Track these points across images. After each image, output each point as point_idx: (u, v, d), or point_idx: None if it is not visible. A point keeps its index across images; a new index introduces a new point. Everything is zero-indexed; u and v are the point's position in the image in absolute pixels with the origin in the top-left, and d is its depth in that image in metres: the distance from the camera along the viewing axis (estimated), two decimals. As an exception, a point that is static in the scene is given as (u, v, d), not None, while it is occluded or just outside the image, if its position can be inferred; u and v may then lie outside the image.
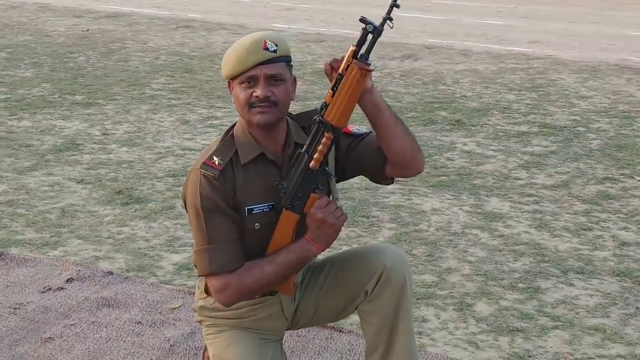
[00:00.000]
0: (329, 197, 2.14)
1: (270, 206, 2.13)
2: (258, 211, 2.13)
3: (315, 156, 2.06)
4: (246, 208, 2.12)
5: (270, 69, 2.07)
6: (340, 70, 2.01)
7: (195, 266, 2.27)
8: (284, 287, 2.19)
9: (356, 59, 2.00)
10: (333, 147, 2.13)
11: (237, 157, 2.13)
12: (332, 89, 2.02)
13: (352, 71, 1.99)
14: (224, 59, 2.13)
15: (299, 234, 2.11)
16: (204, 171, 2.09)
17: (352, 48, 2.01)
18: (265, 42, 2.07)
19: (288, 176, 2.10)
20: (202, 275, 2.17)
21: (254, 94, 2.07)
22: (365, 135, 2.21)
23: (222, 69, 2.13)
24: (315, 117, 2.06)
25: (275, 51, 2.07)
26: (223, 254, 2.09)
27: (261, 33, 2.12)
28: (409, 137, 2.13)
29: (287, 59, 2.12)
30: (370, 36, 2.00)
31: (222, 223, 2.09)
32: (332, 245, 3.74)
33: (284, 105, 2.11)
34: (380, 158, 2.15)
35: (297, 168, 2.08)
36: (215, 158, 2.11)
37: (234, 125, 2.20)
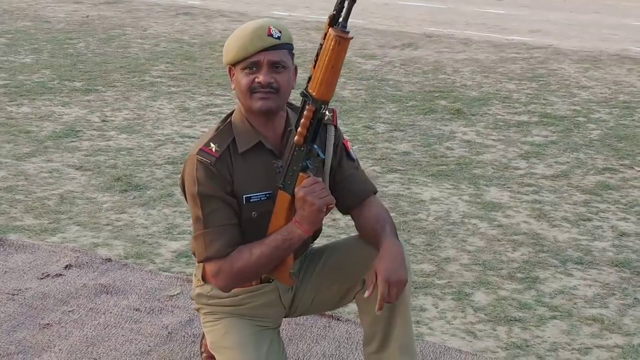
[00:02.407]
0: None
1: (267, 195, 2.12)
2: (256, 200, 2.12)
3: (298, 130, 2.03)
4: (244, 196, 2.12)
5: (273, 55, 2.06)
6: (320, 39, 1.97)
7: (194, 253, 2.28)
8: (280, 277, 2.18)
9: (334, 26, 1.94)
10: (336, 129, 2.09)
11: (234, 145, 2.12)
12: (315, 60, 1.99)
13: (329, 39, 1.94)
14: (226, 45, 2.12)
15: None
16: (200, 157, 2.09)
17: (329, 15, 1.95)
18: (270, 29, 2.06)
19: (284, 155, 2.09)
20: (200, 261, 2.17)
21: (256, 79, 2.06)
22: (353, 169, 2.23)
23: (225, 56, 2.12)
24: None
25: (279, 38, 2.07)
26: (218, 238, 2.09)
27: (264, 20, 2.11)
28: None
29: (289, 47, 2.11)
30: (346, 3, 1.94)
31: (219, 208, 2.09)
32: (329, 234, 3.74)
33: (285, 93, 2.10)
34: (349, 202, 2.20)
35: (288, 145, 2.07)
36: (212, 145, 2.10)
37: (231, 113, 2.19)
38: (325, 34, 1.95)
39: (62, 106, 5.88)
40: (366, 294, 2.06)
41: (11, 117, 5.54)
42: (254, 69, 2.06)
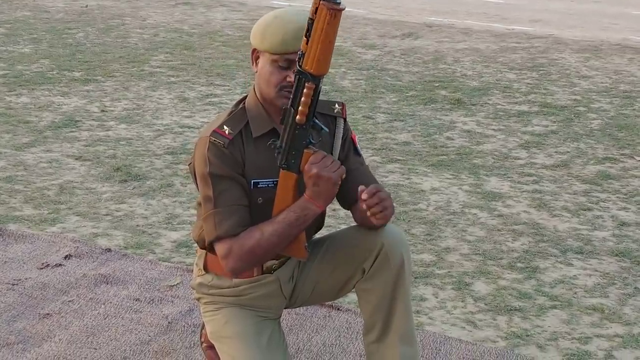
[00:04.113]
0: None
1: (275, 182, 2.11)
2: (263, 186, 2.11)
3: (299, 109, 2.00)
4: (252, 181, 2.11)
5: None
6: (310, 15, 1.93)
7: (197, 242, 2.27)
8: (295, 251, 2.14)
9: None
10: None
11: (247, 129, 2.11)
12: (306, 36, 1.95)
13: (322, 13, 1.90)
14: (262, 30, 2.06)
15: (302, 193, 2.07)
16: (213, 139, 2.07)
17: None
18: None
19: (280, 134, 2.06)
20: (210, 241, 2.14)
21: (288, 78, 2.03)
22: (358, 164, 2.22)
23: (259, 41, 2.07)
24: (294, 68, 2.00)
25: None
26: (229, 218, 2.07)
27: (305, 15, 2.04)
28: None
29: None
30: None
31: (229, 188, 2.08)
32: (329, 224, 3.74)
33: None
34: (352, 196, 2.16)
35: (286, 125, 2.03)
36: (225, 127, 2.09)
37: (244, 98, 2.18)
38: (316, 9, 1.91)
39: (61, 96, 5.87)
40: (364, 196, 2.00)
41: (10, 107, 5.53)
42: (286, 65, 2.04)
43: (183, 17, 9.49)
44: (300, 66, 1.96)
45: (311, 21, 1.92)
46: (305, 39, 1.95)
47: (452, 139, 5.12)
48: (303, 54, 1.95)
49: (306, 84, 1.97)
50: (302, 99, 1.98)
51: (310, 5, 1.94)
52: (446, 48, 8.12)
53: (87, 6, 9.99)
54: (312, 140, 2.04)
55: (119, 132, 5.07)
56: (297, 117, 2.00)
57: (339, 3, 1.91)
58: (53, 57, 7.10)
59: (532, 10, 10.84)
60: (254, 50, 2.11)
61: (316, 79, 1.97)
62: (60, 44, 7.68)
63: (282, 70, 2.04)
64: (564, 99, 6.21)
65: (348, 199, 2.22)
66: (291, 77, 2.02)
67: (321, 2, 1.90)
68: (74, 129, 5.10)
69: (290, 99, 2.01)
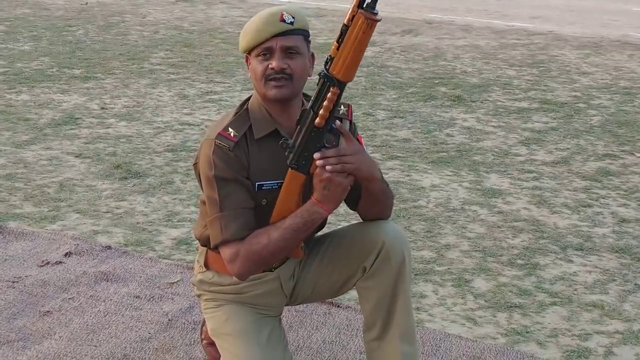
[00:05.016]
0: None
1: (279, 183, 2.10)
2: (267, 187, 2.11)
3: (320, 112, 1.99)
4: (256, 183, 2.11)
5: (286, 40, 2.04)
6: (345, 21, 1.93)
7: (198, 238, 2.27)
8: (291, 252, 2.15)
9: (362, 8, 1.91)
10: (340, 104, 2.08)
11: (251, 131, 2.11)
12: (337, 42, 1.95)
13: (358, 22, 1.91)
14: (241, 33, 2.11)
15: (307, 195, 2.06)
16: (219, 142, 2.07)
17: None
18: (282, 15, 2.05)
19: (294, 135, 2.05)
20: (215, 245, 2.13)
21: (270, 66, 2.04)
22: None
23: (240, 43, 2.11)
24: (320, 71, 1.99)
25: (292, 23, 2.05)
26: (235, 221, 2.07)
27: (280, 7, 2.10)
28: (381, 205, 2.20)
29: (304, 33, 2.09)
30: None
31: (234, 191, 2.07)
32: (331, 222, 3.74)
33: (299, 79, 2.07)
34: (359, 194, 2.18)
35: (302, 126, 2.02)
36: (230, 130, 2.09)
37: (248, 99, 2.18)
38: (353, 16, 1.92)
39: (61, 94, 5.87)
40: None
41: (10, 105, 5.53)
42: (267, 55, 2.05)
43: (183, 15, 9.48)
44: (327, 70, 1.96)
45: (345, 27, 1.93)
46: (336, 44, 1.95)
47: (452, 136, 5.12)
48: (332, 59, 1.95)
49: (331, 89, 1.97)
50: (325, 102, 1.97)
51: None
52: (446, 45, 8.11)
53: (86, 3, 9.99)
54: (326, 144, 2.03)
55: (119, 129, 5.07)
56: (317, 120, 2.00)
57: (376, 13, 1.92)
58: (53, 55, 7.10)
59: (532, 6, 10.84)
60: (246, 58, 2.13)
61: (342, 85, 1.97)
62: (60, 42, 7.68)
63: (265, 60, 2.06)
64: (564, 95, 6.21)
65: (355, 198, 2.21)
66: (273, 64, 2.04)
67: (359, 10, 1.91)
68: (73, 127, 5.10)
69: (311, 101, 2.01)
